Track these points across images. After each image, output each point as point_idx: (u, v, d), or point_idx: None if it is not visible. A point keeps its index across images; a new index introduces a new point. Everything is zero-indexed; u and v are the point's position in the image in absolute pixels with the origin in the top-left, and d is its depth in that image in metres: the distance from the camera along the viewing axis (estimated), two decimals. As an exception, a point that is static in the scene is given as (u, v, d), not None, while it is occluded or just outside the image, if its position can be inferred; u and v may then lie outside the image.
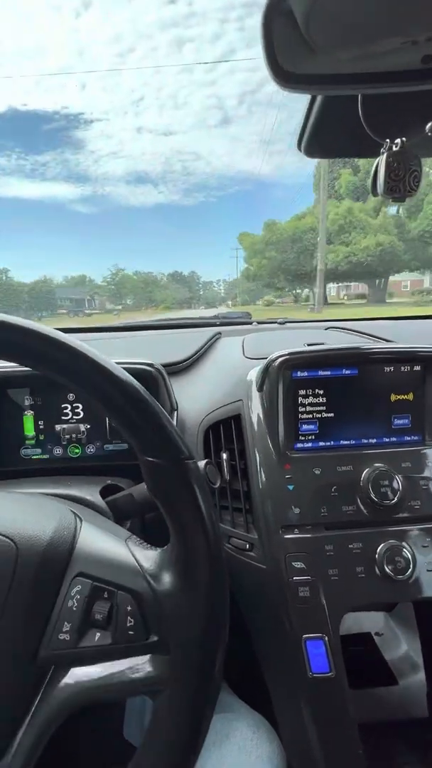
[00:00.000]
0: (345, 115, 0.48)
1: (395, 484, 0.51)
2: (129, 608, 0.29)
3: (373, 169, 0.45)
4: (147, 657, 0.29)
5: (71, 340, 0.27)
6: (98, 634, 0.29)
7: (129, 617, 0.29)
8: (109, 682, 0.29)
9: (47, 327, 0.28)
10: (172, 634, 0.29)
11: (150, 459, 0.28)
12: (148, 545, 0.34)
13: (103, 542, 0.34)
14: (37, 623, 0.30)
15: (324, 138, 0.54)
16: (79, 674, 0.29)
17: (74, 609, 0.30)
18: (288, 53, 0.39)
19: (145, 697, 0.60)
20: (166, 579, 0.30)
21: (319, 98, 0.50)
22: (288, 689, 0.50)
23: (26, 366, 0.28)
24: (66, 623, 0.29)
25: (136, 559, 0.32)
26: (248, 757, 0.46)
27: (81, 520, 0.35)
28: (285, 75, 0.38)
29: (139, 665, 0.29)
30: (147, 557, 0.32)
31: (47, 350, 0.27)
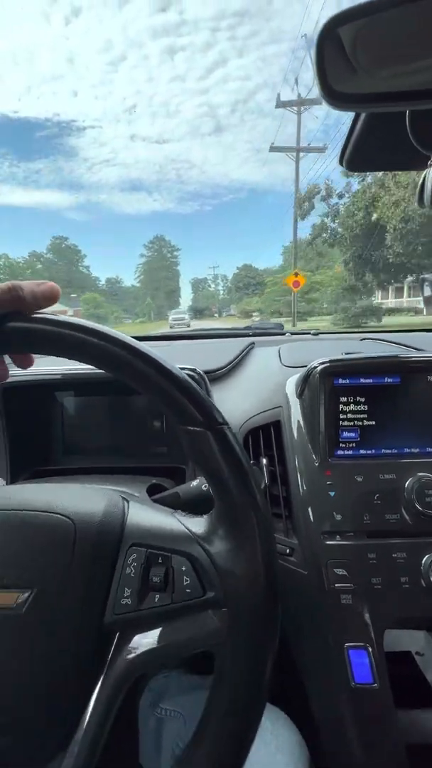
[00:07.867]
0: (390, 128, 0.49)
1: None
2: (184, 569, 0.31)
3: (420, 181, 0.46)
4: (206, 612, 0.31)
5: (114, 332, 0.30)
6: (157, 596, 0.31)
7: (185, 577, 0.31)
8: (174, 640, 0.30)
9: (105, 327, 0.30)
10: (227, 587, 0.30)
11: (190, 428, 0.31)
12: (194, 515, 0.36)
13: (152, 516, 0.36)
14: (99, 592, 0.31)
15: (368, 152, 0.56)
16: (145, 636, 0.31)
17: (132, 575, 0.31)
18: (338, 75, 0.41)
19: (161, 718, 0.61)
20: (216, 538, 0.32)
21: (364, 113, 0.52)
22: (329, 698, 0.49)
23: (79, 360, 0.31)
24: (126, 589, 0.31)
25: (185, 525, 0.34)
26: (267, 748, 0.46)
27: (128, 501, 0.37)
28: (337, 95, 0.40)
29: (200, 621, 0.30)
30: (195, 523, 0.34)
31: (86, 340, 0.29)
